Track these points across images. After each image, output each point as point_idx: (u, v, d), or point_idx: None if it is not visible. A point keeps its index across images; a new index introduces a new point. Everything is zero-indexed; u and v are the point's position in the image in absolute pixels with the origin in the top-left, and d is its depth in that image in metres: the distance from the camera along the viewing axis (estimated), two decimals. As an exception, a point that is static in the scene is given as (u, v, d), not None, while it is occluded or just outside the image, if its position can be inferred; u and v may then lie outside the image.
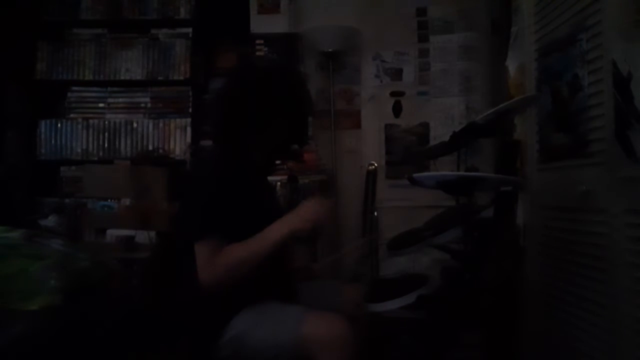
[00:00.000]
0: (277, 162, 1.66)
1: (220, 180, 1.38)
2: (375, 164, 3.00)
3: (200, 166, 1.53)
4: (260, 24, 3.02)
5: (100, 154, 2.90)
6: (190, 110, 2.90)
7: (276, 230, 1.33)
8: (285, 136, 1.50)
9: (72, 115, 2.92)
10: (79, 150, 2.90)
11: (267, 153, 1.51)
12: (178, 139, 2.88)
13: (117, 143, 2.90)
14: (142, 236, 2.48)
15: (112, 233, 2.71)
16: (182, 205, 1.47)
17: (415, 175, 1.73)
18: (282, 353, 1.30)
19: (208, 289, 1.30)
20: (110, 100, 2.95)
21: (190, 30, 2.97)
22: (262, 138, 1.46)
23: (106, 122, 2.91)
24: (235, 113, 1.45)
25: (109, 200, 2.81)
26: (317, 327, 1.30)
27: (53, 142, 2.89)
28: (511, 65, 2.36)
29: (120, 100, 2.95)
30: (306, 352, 1.28)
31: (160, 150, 2.86)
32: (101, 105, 2.94)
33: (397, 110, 3.09)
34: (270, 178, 2.76)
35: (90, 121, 2.91)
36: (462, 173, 1.91)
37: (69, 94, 2.93)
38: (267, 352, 1.31)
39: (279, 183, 2.82)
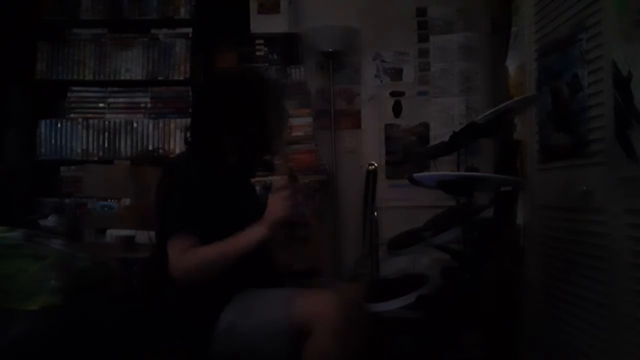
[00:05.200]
0: (255, 166, 1.68)
1: (190, 179, 1.41)
2: (375, 164, 3.00)
3: (171, 166, 1.56)
4: (260, 24, 3.02)
5: (100, 154, 2.89)
6: (190, 110, 2.89)
7: (250, 234, 1.36)
8: (256, 142, 1.52)
9: (72, 115, 2.91)
10: (79, 150, 2.89)
11: (240, 157, 1.53)
12: (178, 139, 2.87)
13: (117, 143, 2.90)
14: (142, 236, 2.47)
15: (112, 233, 2.70)
16: (156, 203, 1.48)
17: (415, 175, 1.73)
18: (277, 334, 1.31)
19: (181, 284, 1.33)
20: (110, 100, 2.95)
21: (190, 30, 2.97)
22: (234, 142, 1.50)
23: (106, 122, 2.91)
24: (208, 117, 1.50)
25: (109, 200, 2.81)
26: (309, 302, 1.32)
27: (53, 142, 2.89)
28: (511, 65, 2.36)
29: (120, 100, 2.95)
30: (301, 328, 1.29)
31: (160, 150, 2.86)
32: (101, 105, 2.94)
33: (397, 110, 3.09)
34: (270, 178, 2.80)
35: (90, 121, 2.91)
36: (462, 173, 1.91)
37: (69, 94, 2.92)
38: (262, 336, 1.32)
39: (278, 183, 2.82)
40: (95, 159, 2.89)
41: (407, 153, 3.04)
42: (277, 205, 1.37)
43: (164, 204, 1.43)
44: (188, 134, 1.57)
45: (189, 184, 1.40)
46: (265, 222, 1.36)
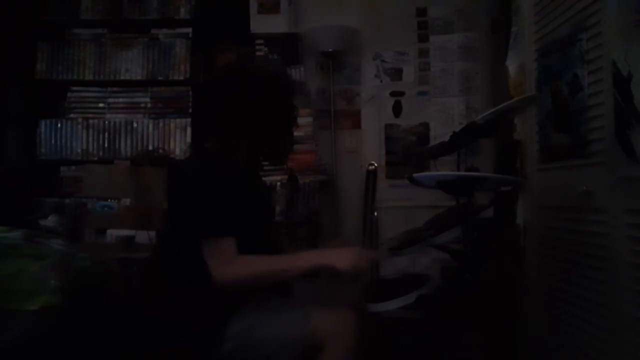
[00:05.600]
0: (262, 162, 1.66)
1: (221, 179, 1.39)
2: (375, 164, 3.00)
3: (197, 166, 1.50)
4: (260, 24, 3.02)
5: (100, 154, 2.90)
6: (190, 110, 2.90)
7: (312, 258, 1.35)
8: (266, 139, 1.50)
9: (72, 115, 2.92)
10: (79, 150, 2.90)
11: (249, 154, 1.51)
12: (178, 139, 2.88)
13: (117, 143, 2.90)
14: (142, 236, 2.48)
15: (112, 233, 2.71)
16: (179, 205, 1.46)
17: (415, 175, 1.73)
18: (291, 347, 1.31)
19: (223, 288, 1.31)
20: (110, 100, 2.95)
21: (190, 30, 2.97)
22: (243, 140, 1.47)
23: (106, 122, 2.91)
24: (218, 115, 1.47)
25: (109, 200, 2.81)
26: (325, 320, 1.32)
27: (53, 142, 2.89)
28: (511, 65, 2.36)
29: (120, 100, 2.96)
30: (315, 344, 1.29)
31: (160, 150, 2.86)
32: (101, 105, 2.94)
33: (397, 110, 3.09)
34: (271, 178, 2.80)
35: (90, 121, 2.91)
36: (462, 173, 1.91)
37: (69, 94, 2.93)
38: (274, 347, 1.32)
39: (279, 183, 2.82)
40: (95, 159, 2.89)
41: (408, 154, 3.04)
42: (349, 258, 1.33)
43: (197, 206, 1.37)
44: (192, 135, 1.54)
45: (223, 186, 1.38)
46: (329, 257, 1.33)
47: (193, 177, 1.42)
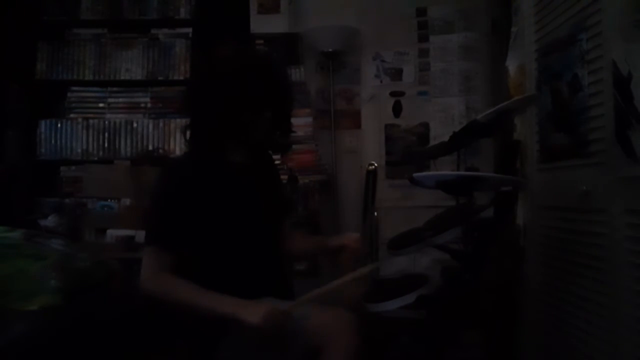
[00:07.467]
0: (269, 155, 1.60)
1: (185, 187, 1.36)
2: (375, 164, 3.00)
3: (166, 170, 1.46)
4: (260, 24, 3.02)
5: (100, 154, 2.90)
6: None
7: (224, 305, 1.27)
8: (265, 129, 1.42)
9: (72, 115, 2.92)
10: (79, 150, 2.89)
11: (248, 151, 1.46)
12: (178, 139, 2.87)
13: (117, 143, 2.90)
14: (142, 236, 2.47)
15: (112, 233, 2.71)
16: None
17: (415, 175, 1.73)
18: (291, 349, 1.30)
19: (143, 293, 1.32)
20: (110, 100, 2.95)
21: (190, 30, 2.97)
22: (239, 137, 1.42)
23: (106, 122, 2.91)
24: (207, 113, 1.40)
25: (109, 200, 2.81)
26: (325, 321, 1.31)
27: (53, 142, 2.89)
28: (511, 65, 2.36)
29: (120, 100, 2.95)
30: (314, 345, 1.28)
31: (160, 150, 2.86)
32: (101, 105, 2.94)
33: (397, 110, 3.09)
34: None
35: (90, 121, 2.91)
36: (462, 173, 1.91)
37: (69, 94, 2.93)
38: (272, 351, 1.32)
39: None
40: (95, 159, 2.89)
41: (408, 154, 3.05)
42: (262, 313, 1.23)
43: (151, 209, 1.40)
44: (187, 135, 1.46)
45: (182, 193, 1.35)
46: (243, 309, 1.25)
47: (157, 180, 1.41)
